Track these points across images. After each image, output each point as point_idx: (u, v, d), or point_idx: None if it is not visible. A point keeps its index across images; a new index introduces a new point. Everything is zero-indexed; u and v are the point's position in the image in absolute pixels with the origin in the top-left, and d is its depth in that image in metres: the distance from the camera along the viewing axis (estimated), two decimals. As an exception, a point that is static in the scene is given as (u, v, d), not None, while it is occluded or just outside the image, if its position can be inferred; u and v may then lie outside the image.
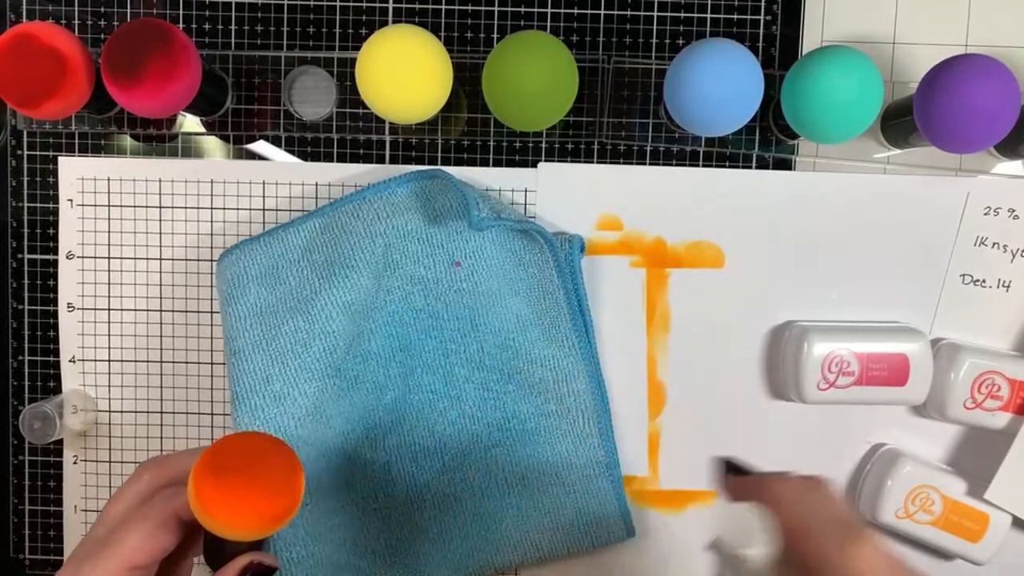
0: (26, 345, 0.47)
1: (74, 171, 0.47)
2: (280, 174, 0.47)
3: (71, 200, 0.47)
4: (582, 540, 0.45)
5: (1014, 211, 0.46)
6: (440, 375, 0.45)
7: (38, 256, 0.47)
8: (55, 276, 0.47)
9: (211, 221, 0.47)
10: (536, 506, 0.45)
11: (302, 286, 0.43)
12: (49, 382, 0.47)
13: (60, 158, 0.47)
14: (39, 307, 0.47)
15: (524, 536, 0.45)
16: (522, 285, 0.45)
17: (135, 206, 0.47)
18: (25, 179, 0.47)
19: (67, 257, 0.47)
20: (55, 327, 0.47)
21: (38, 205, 0.47)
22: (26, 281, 0.47)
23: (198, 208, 0.47)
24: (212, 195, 0.47)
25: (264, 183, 0.47)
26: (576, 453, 0.46)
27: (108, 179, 0.47)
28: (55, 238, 0.47)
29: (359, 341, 0.44)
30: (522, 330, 0.45)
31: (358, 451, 0.45)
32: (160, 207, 0.47)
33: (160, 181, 0.47)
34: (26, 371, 0.48)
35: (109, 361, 0.47)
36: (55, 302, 0.47)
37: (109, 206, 0.47)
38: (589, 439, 0.46)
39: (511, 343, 0.45)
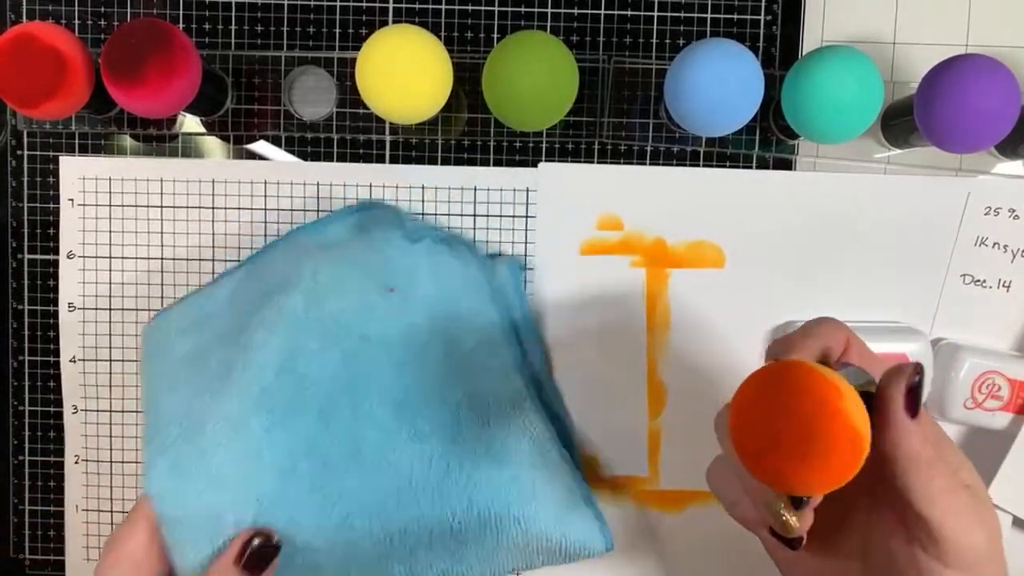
0: (26, 345, 0.47)
1: (75, 171, 0.47)
2: (281, 174, 0.47)
3: (72, 200, 0.47)
4: (560, 561, 0.43)
5: (1014, 211, 0.46)
6: (385, 400, 0.41)
7: (38, 256, 0.47)
8: (55, 276, 0.47)
9: (212, 221, 0.47)
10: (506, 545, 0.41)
11: (228, 327, 0.41)
12: (49, 382, 0.47)
13: (61, 158, 0.47)
14: (39, 307, 0.47)
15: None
16: (459, 307, 0.44)
17: (136, 206, 0.47)
18: (25, 179, 0.47)
19: (68, 257, 0.47)
20: (55, 327, 0.47)
21: (38, 205, 0.47)
22: (26, 281, 0.47)
23: (199, 208, 0.47)
24: (213, 195, 0.47)
25: (265, 183, 0.47)
26: (543, 482, 0.42)
27: (109, 179, 0.47)
28: (55, 238, 0.47)
29: (293, 364, 0.40)
30: (463, 355, 0.43)
31: (301, 487, 0.40)
32: (161, 207, 0.47)
33: (161, 181, 0.47)
34: (26, 371, 0.48)
35: (110, 361, 0.47)
36: (55, 302, 0.47)
37: (110, 206, 0.47)
38: (558, 465, 0.42)
39: (451, 366, 0.42)
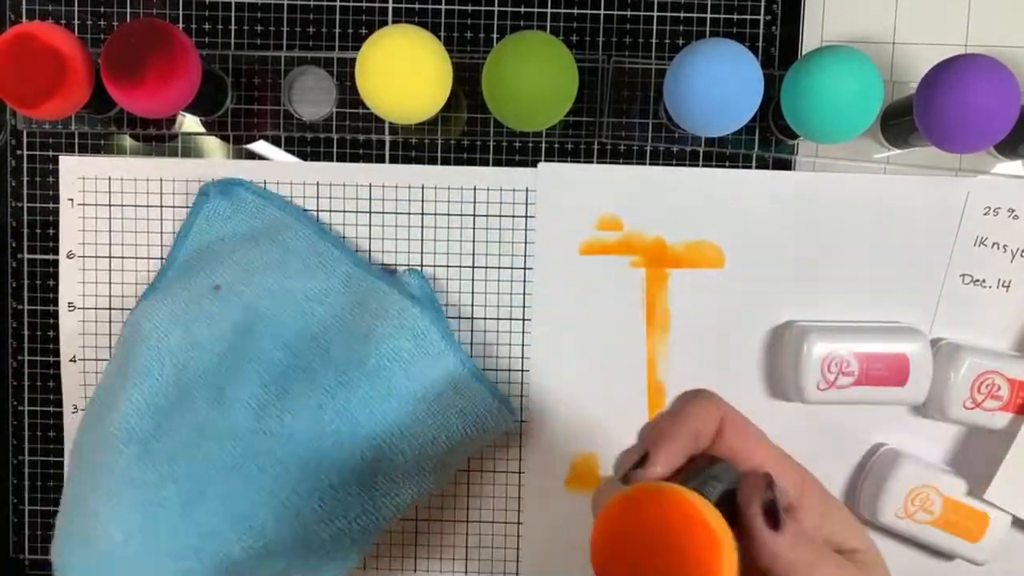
0: (26, 345, 0.47)
1: (75, 171, 0.47)
2: (280, 174, 0.47)
3: (72, 199, 0.47)
4: (473, 444, 0.44)
5: (1014, 211, 0.46)
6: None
7: (38, 256, 0.47)
8: (55, 276, 0.47)
9: (211, 221, 0.47)
10: (423, 444, 0.43)
11: (104, 409, 0.43)
12: (49, 382, 0.47)
13: (61, 157, 0.47)
14: (39, 307, 0.47)
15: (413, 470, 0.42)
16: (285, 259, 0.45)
17: (136, 205, 0.47)
18: (25, 179, 0.47)
19: (68, 257, 0.47)
20: (55, 327, 0.47)
21: (38, 205, 0.47)
22: (26, 281, 0.47)
23: (198, 208, 0.47)
24: (212, 195, 0.47)
25: (265, 183, 0.47)
26: (434, 372, 0.44)
27: (109, 179, 0.47)
28: (55, 238, 0.47)
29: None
30: (305, 306, 0.44)
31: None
32: (161, 207, 0.47)
33: (161, 181, 0.47)
34: (26, 371, 0.47)
35: (110, 361, 0.47)
36: (55, 302, 0.47)
37: (110, 205, 0.47)
38: (443, 356, 0.44)
39: (307, 320, 0.44)
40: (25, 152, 0.47)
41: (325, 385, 0.42)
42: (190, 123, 0.47)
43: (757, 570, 0.27)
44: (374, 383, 0.42)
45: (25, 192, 0.47)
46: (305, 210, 0.47)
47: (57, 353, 0.47)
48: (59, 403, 0.47)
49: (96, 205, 0.47)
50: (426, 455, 0.42)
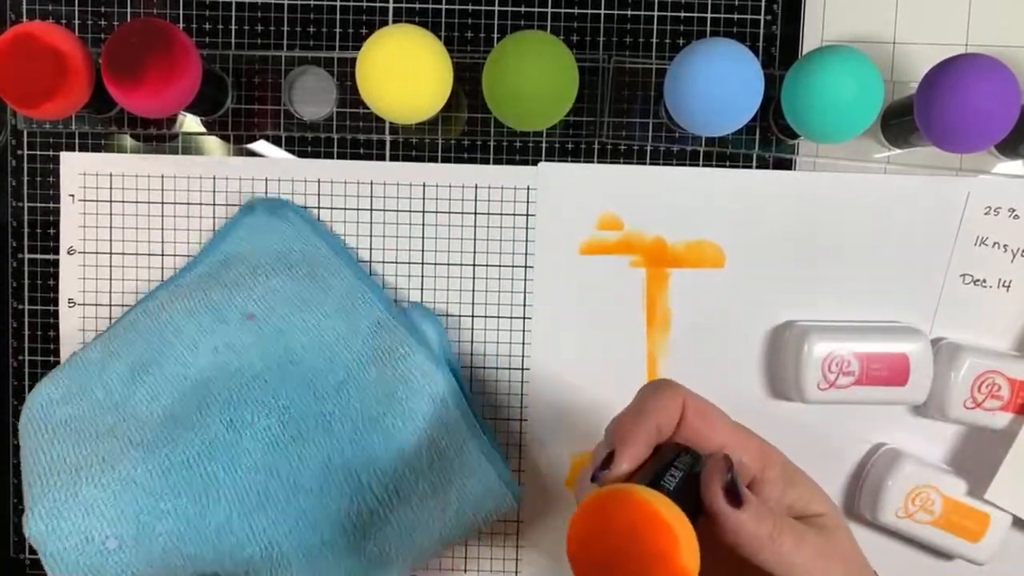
0: (26, 345, 0.47)
1: (76, 167, 0.47)
2: (282, 171, 0.47)
3: (72, 196, 0.47)
4: (470, 525, 0.43)
5: (1014, 211, 0.46)
6: (273, 414, 0.42)
7: (38, 256, 0.47)
8: (55, 276, 0.47)
9: (213, 218, 0.47)
10: (419, 515, 0.42)
11: (110, 391, 0.42)
12: (49, 382, 0.47)
13: (62, 154, 0.47)
14: (39, 307, 0.47)
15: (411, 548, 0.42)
16: (321, 305, 0.44)
17: (137, 202, 0.47)
18: (25, 179, 0.47)
19: (68, 253, 0.47)
20: (55, 327, 0.47)
21: (38, 205, 0.47)
22: (26, 281, 0.47)
23: (200, 204, 0.47)
24: (214, 191, 0.47)
25: (266, 180, 0.47)
26: (444, 442, 0.43)
27: (110, 175, 0.47)
28: (55, 238, 0.47)
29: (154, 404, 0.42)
30: (331, 351, 0.43)
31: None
32: (162, 203, 0.47)
33: (162, 177, 0.47)
34: (26, 371, 0.48)
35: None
36: (55, 302, 0.47)
37: (111, 201, 0.47)
38: (457, 424, 0.43)
39: (327, 367, 0.43)
40: (26, 152, 0.47)
41: (339, 438, 0.42)
42: (190, 123, 0.47)
43: (726, 547, 0.28)
44: (386, 443, 0.42)
45: (25, 192, 0.47)
46: (348, 246, 0.47)
47: (57, 352, 0.47)
48: (59, 403, 0.47)
49: (97, 201, 0.47)
50: (419, 528, 0.42)
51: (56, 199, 0.47)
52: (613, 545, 0.26)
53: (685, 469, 0.29)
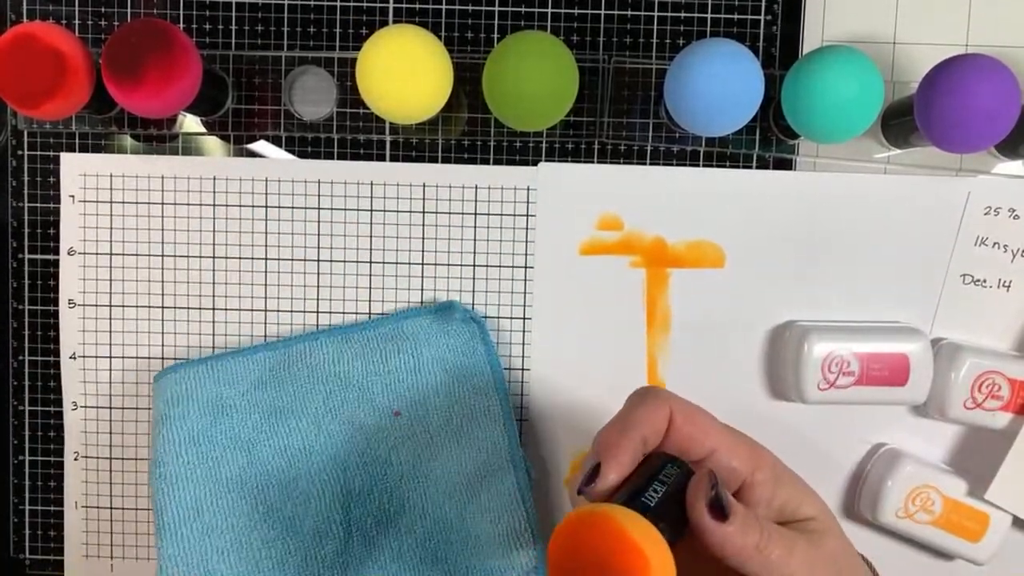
0: (26, 345, 0.47)
1: (76, 167, 0.47)
2: (282, 171, 0.47)
3: (73, 196, 0.47)
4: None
5: (1014, 211, 0.46)
6: (384, 525, 0.43)
7: (38, 256, 0.47)
8: (55, 276, 0.47)
9: (213, 218, 0.47)
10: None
11: (244, 423, 0.44)
12: (49, 382, 0.47)
13: (62, 155, 0.47)
14: (39, 307, 0.47)
15: None
16: (464, 433, 0.45)
17: (137, 202, 0.47)
18: (25, 179, 0.47)
19: (68, 253, 0.47)
20: (55, 327, 0.47)
21: (38, 205, 0.47)
22: (26, 281, 0.47)
23: (200, 205, 0.47)
24: (214, 192, 0.47)
25: (266, 180, 0.47)
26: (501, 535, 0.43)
27: (110, 175, 0.47)
28: (55, 238, 0.47)
29: (297, 483, 0.43)
30: (466, 483, 0.44)
31: None
32: (162, 203, 0.47)
33: (162, 178, 0.47)
34: (26, 371, 0.48)
35: (110, 358, 0.47)
36: (55, 302, 0.47)
37: (111, 202, 0.47)
38: (517, 519, 0.43)
39: (454, 495, 0.43)
40: (26, 152, 0.47)
41: (417, 559, 0.43)
42: (190, 123, 0.47)
43: (715, 559, 0.29)
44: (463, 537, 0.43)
45: (26, 192, 0.47)
46: (507, 385, 0.47)
47: (57, 353, 0.47)
48: (59, 403, 0.47)
49: (97, 202, 0.47)
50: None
51: (56, 199, 0.47)
52: (586, 568, 0.26)
53: (669, 483, 0.29)
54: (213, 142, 0.47)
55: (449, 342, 0.46)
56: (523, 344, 0.47)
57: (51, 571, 0.48)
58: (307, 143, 0.47)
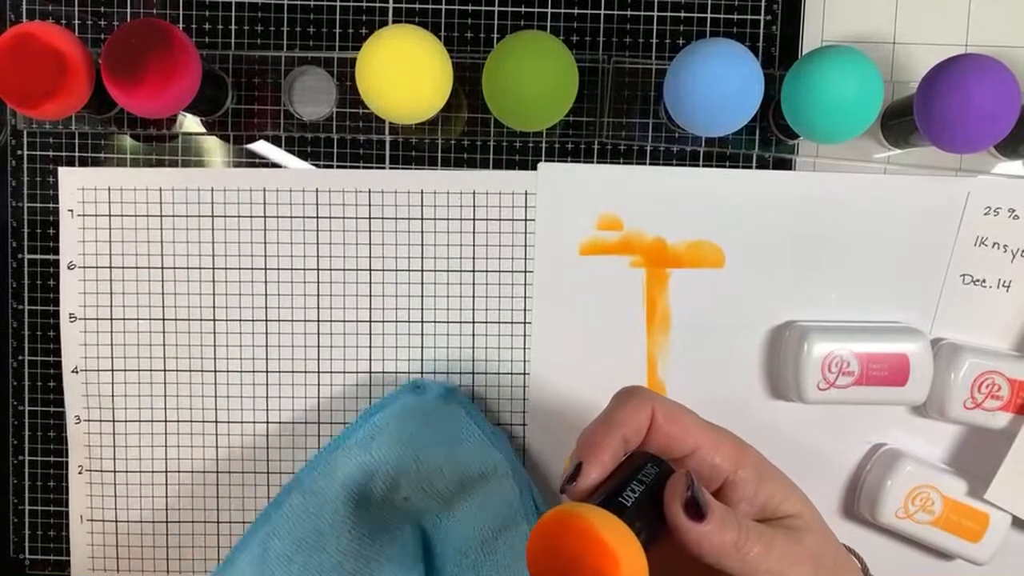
0: (26, 345, 0.47)
1: (74, 181, 0.46)
2: (281, 181, 0.47)
3: (71, 210, 0.47)
4: None
5: (1014, 211, 0.46)
6: None
7: (38, 256, 0.47)
8: (55, 276, 0.47)
9: (212, 229, 0.47)
10: None
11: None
12: (49, 382, 0.47)
13: (60, 169, 0.46)
14: (39, 307, 0.47)
15: None
16: (474, 495, 0.45)
17: (136, 215, 0.47)
18: (25, 179, 0.47)
19: (68, 268, 0.47)
20: (55, 327, 0.47)
21: (38, 205, 0.47)
22: (26, 281, 0.47)
23: (199, 216, 0.47)
24: (213, 203, 0.47)
25: (264, 190, 0.47)
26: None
27: (108, 189, 0.47)
28: (55, 238, 0.47)
29: None
30: (480, 542, 0.44)
31: None
32: (161, 216, 0.47)
33: (161, 190, 0.47)
34: (26, 371, 0.48)
35: (112, 371, 0.47)
36: (55, 302, 0.47)
37: (110, 216, 0.47)
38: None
39: (470, 554, 0.44)
40: (25, 152, 0.47)
41: None
42: (190, 123, 0.47)
43: (695, 559, 0.29)
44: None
45: (25, 192, 0.47)
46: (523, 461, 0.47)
47: (58, 352, 0.47)
48: (60, 403, 0.47)
49: (96, 216, 0.47)
50: None
51: (56, 199, 0.47)
52: (560, 568, 0.26)
53: (648, 482, 0.29)
54: (213, 142, 0.47)
55: (438, 425, 0.45)
56: (524, 349, 0.47)
57: (51, 571, 0.48)
58: (307, 143, 0.47)
